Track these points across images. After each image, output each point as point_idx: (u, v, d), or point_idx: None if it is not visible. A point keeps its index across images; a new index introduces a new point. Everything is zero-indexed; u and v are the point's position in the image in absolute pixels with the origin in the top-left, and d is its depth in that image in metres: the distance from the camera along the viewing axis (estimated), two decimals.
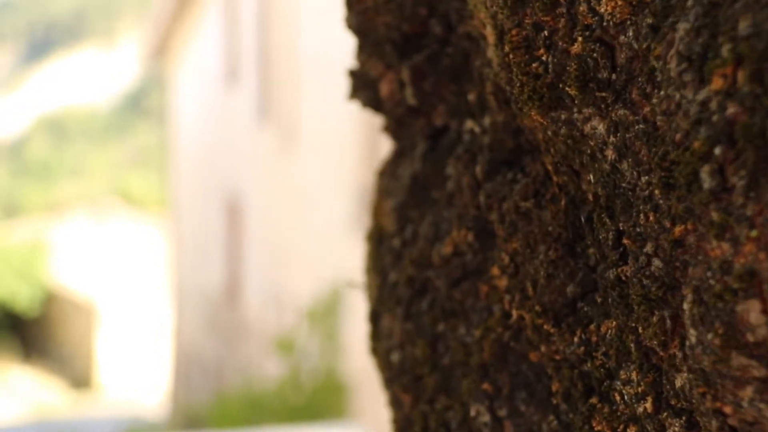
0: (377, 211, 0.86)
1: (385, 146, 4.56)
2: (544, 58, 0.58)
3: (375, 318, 0.82)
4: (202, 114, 13.63)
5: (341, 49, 6.25)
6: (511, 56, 0.60)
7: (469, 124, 0.73)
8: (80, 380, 20.47)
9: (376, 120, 5.69)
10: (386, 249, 0.81)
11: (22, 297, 20.84)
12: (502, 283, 0.65)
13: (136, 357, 20.17)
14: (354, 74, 0.89)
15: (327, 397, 7.04)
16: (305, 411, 7.08)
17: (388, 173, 0.86)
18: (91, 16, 74.79)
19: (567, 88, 0.57)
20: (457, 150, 0.74)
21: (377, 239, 0.84)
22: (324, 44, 6.98)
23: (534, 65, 0.58)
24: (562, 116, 0.58)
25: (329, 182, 7.16)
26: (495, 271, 0.66)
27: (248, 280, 11.13)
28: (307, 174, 7.98)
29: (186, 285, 14.88)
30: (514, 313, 0.64)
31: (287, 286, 8.81)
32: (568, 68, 0.56)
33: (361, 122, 6.19)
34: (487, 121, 0.69)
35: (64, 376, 20.62)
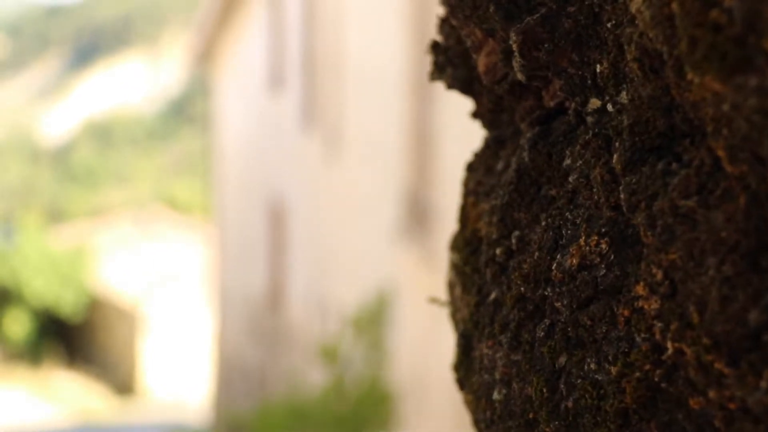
0: (467, 214, 0.71)
1: (433, 151, 4.41)
2: (727, 2, 0.43)
3: (466, 344, 0.67)
4: (247, 119, 13.58)
5: (386, 53, 6.13)
6: (676, 3, 0.45)
7: (595, 102, 0.58)
8: (124, 385, 20.53)
9: (423, 124, 5.56)
10: (484, 260, 0.65)
11: (66, 302, 20.98)
12: (652, 305, 0.50)
13: (179, 362, 20.19)
14: (438, 48, 0.74)
15: (372, 406, 6.91)
16: (350, 420, 6.97)
17: (481, 168, 0.71)
18: (137, 22, 75.68)
19: (762, 43, 0.42)
20: (582, 135, 0.58)
21: (469, 248, 0.69)
22: (369, 49, 6.86)
23: (713, 13, 0.43)
24: (752, 82, 0.42)
25: (375, 188, 7.02)
26: (640, 289, 0.51)
27: (292, 286, 11.03)
28: (352, 180, 7.86)
29: (229, 291, 14.83)
30: (670, 346, 0.49)
31: (332, 292, 8.68)
32: (765, 14, 0.41)
33: (407, 126, 6.04)
34: (625, 96, 0.54)
35: (108, 382, 20.70)
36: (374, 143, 7.04)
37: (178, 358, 20.16)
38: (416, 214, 5.42)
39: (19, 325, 20.78)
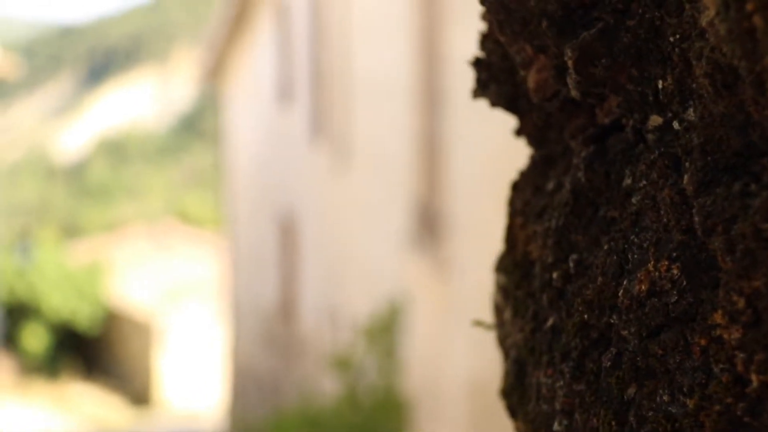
0: (515, 236, 0.68)
1: (442, 161, 4.38)
2: None
3: (519, 370, 0.64)
4: (257, 134, 13.59)
5: (394, 64, 6.11)
6: (759, 17, 0.43)
7: (656, 119, 0.55)
8: (140, 397, 20.56)
9: (432, 134, 5.53)
10: (539, 284, 0.63)
11: (83, 316, 21.11)
12: (733, 335, 0.47)
13: (194, 373, 20.20)
14: (480, 65, 0.71)
15: (385, 415, 6.89)
16: (363, 429, 6.95)
17: (528, 188, 0.69)
18: (147, 40, 76.18)
19: None
20: (644, 154, 0.55)
21: (519, 271, 0.66)
22: (377, 61, 6.84)
23: None
24: None
25: (385, 198, 7.00)
26: (719, 318, 0.48)
27: (304, 296, 11.02)
28: (362, 190, 7.84)
29: (242, 302, 14.83)
30: (754, 379, 0.46)
31: (343, 302, 8.66)
32: None
33: (416, 137, 6.03)
34: (693, 114, 0.51)
35: (124, 393, 20.73)
36: (383, 154, 7.02)
37: (193, 370, 20.17)
38: (426, 223, 5.39)
39: (36, 339, 20.90)
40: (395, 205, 6.48)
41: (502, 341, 0.69)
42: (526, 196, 0.68)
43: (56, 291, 20.79)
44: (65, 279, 20.99)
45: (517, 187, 0.70)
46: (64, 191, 60.14)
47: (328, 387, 8.27)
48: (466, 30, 3.78)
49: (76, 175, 64.10)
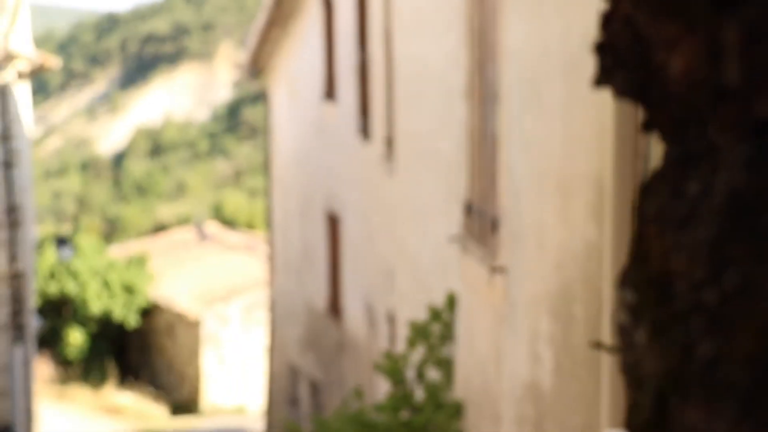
0: (648, 247, 0.59)
1: (495, 160, 4.26)
2: None
3: (661, 405, 0.55)
4: (301, 131, 13.56)
5: (444, 61, 6.01)
6: None
7: None
8: (183, 397, 20.63)
9: (483, 131, 5.42)
10: (686, 305, 0.54)
11: (126, 316, 21.12)
12: None
13: (239, 374, 20.24)
14: (605, 50, 0.62)
15: (436, 419, 6.79)
16: None
17: (664, 191, 0.59)
18: (191, 35, 76.70)
19: None
20: None
21: (655, 288, 0.57)
22: (422, 59, 6.76)
23: None
24: None
25: (435, 198, 6.91)
26: None
27: (351, 297, 10.96)
28: (411, 190, 7.75)
29: (286, 302, 14.81)
30: None
31: (392, 304, 8.58)
32: None
33: (468, 137, 5.92)
34: None
35: (166, 394, 20.81)
36: (433, 152, 6.93)
37: (238, 370, 20.20)
38: (479, 225, 5.29)
39: (78, 340, 20.94)
40: (446, 206, 6.38)
41: (631, 367, 0.59)
42: (661, 201, 0.59)
43: (98, 291, 20.85)
44: (108, 278, 21.05)
45: (648, 190, 0.61)
46: (104, 187, 60.75)
47: (377, 388, 8.20)
48: (521, 22, 3.67)
49: (116, 171, 64.76)
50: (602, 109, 2.76)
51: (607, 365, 2.71)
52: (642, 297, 0.59)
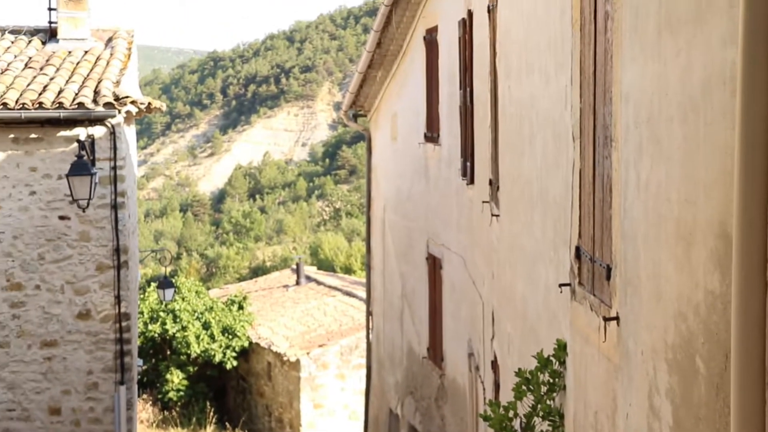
0: None
1: (611, 207, 4.02)
2: None
3: None
4: (402, 173, 13.49)
5: (554, 101, 5.83)
6: None
7: None
8: None
9: (597, 177, 5.22)
10: None
11: (222, 357, 21.16)
12: None
13: (336, 416, 20.13)
14: None
15: None
16: None
17: None
18: (291, 76, 77.92)
19: None
20: None
21: None
22: (530, 100, 6.59)
23: None
24: None
25: (538, 244, 6.69)
26: None
27: (451, 343, 10.75)
28: (514, 234, 7.55)
29: (384, 346, 14.67)
30: None
31: (496, 350, 8.36)
32: None
33: (579, 179, 5.72)
34: None
35: None
36: (542, 195, 6.73)
37: (335, 413, 20.10)
38: (590, 271, 5.07)
39: (177, 380, 21.03)
40: (553, 250, 6.17)
41: None
42: None
43: (198, 330, 20.97)
44: (207, 318, 21.17)
45: None
46: (205, 228, 61.77)
47: None
48: (637, 63, 3.49)
49: (217, 211, 65.95)
50: (726, 151, 2.59)
51: (737, 424, 2.48)
52: None
